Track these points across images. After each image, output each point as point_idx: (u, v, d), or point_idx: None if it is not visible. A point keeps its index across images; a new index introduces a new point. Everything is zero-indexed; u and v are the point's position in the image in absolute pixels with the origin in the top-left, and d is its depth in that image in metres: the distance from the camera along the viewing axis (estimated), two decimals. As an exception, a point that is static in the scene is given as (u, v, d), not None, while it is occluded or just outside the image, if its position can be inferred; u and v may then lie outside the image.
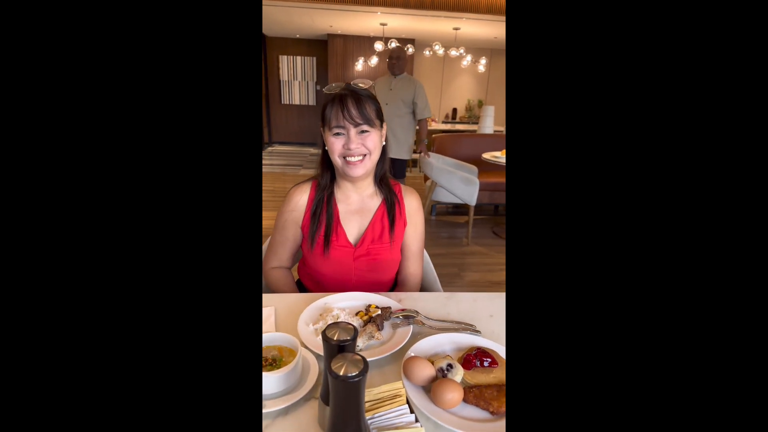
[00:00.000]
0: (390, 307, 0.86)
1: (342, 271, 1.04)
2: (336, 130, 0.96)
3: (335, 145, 0.97)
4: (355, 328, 0.55)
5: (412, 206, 1.11)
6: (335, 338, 0.53)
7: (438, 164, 3.27)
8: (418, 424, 0.55)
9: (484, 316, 0.89)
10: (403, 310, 0.86)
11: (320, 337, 0.77)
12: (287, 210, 1.08)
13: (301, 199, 1.07)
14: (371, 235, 1.05)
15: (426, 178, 3.92)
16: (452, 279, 2.71)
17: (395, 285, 1.16)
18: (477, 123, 6.12)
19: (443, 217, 4.01)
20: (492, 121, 5.21)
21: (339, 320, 0.80)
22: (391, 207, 1.07)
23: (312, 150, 7.75)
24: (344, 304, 0.90)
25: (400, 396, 0.59)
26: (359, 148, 0.97)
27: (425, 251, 1.23)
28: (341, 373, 0.47)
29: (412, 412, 0.58)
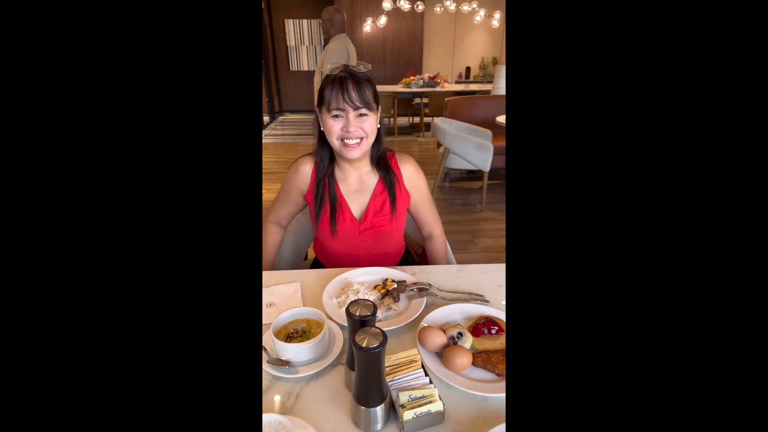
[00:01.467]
0: (405, 281, 0.94)
1: (350, 246, 1.12)
2: (335, 113, 0.98)
3: (333, 127, 0.99)
4: (374, 305, 0.62)
5: (410, 172, 1.14)
6: (357, 314, 0.61)
7: (451, 130, 3.24)
8: (432, 386, 0.64)
9: (493, 287, 0.96)
10: (417, 283, 0.93)
11: (343, 310, 0.85)
12: (293, 177, 1.14)
13: (306, 169, 1.12)
14: (373, 209, 1.11)
15: (438, 145, 3.89)
16: (466, 246, 2.78)
17: (404, 259, 1.24)
18: (491, 82, 5.93)
19: (457, 184, 4.02)
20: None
21: (359, 295, 0.88)
22: (391, 186, 1.11)
23: (323, 117, 7.67)
24: (363, 279, 0.98)
25: (416, 361, 0.68)
26: (357, 131, 0.99)
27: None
28: (364, 345, 0.54)
29: (426, 375, 0.66)
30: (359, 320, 0.60)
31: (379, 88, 5.92)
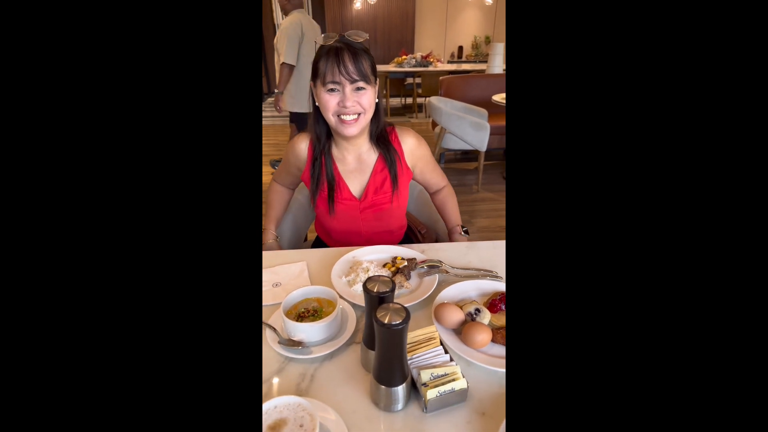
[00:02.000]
0: (415, 258, 0.91)
1: (351, 225, 1.09)
2: (330, 86, 0.91)
3: (329, 102, 0.92)
4: (392, 281, 0.59)
5: (411, 145, 1.09)
6: (375, 290, 0.57)
7: (447, 109, 3.18)
8: (453, 363, 0.61)
9: (504, 263, 0.94)
10: (427, 260, 0.90)
11: (353, 288, 0.82)
12: (291, 154, 1.11)
13: (302, 147, 1.08)
14: (373, 187, 1.06)
15: (434, 125, 3.83)
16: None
17: (407, 238, 1.21)
18: (485, 62, 5.83)
19: (452, 165, 3.98)
20: (501, 60, 4.94)
21: (370, 273, 0.84)
22: (392, 164, 1.06)
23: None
24: (372, 257, 0.94)
25: (434, 339, 0.65)
26: (354, 106, 0.93)
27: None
28: (386, 321, 0.51)
29: (446, 352, 0.63)
30: (377, 296, 0.57)
31: (371, 67, 5.77)
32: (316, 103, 0.97)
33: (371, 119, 1.02)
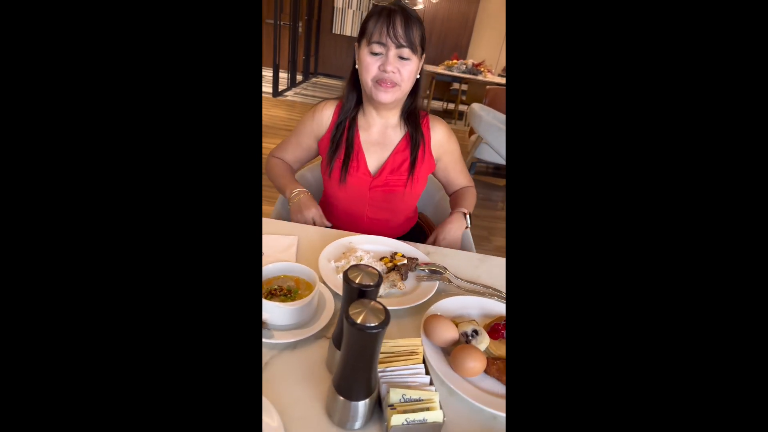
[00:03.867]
0: (417, 259, 0.80)
1: (357, 200, 1.00)
2: (375, 48, 0.86)
3: (370, 64, 0.88)
4: (379, 274, 0.49)
5: (441, 137, 1.04)
6: (357, 281, 0.47)
7: (488, 118, 3.04)
8: (432, 388, 0.50)
9: (518, 286, 0.82)
10: (430, 264, 0.79)
11: (341, 275, 0.72)
12: (309, 117, 1.04)
13: (326, 113, 1.02)
14: (391, 166, 0.99)
15: (470, 134, 3.69)
16: (479, 242, 2.63)
17: (414, 236, 1.11)
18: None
19: (482, 177, 3.82)
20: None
21: (363, 262, 0.74)
22: (416, 146, 0.99)
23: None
24: (370, 247, 0.84)
25: (417, 354, 0.54)
26: (395, 74, 0.88)
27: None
28: (359, 321, 0.41)
29: (427, 373, 0.53)
30: (358, 289, 0.47)
31: (420, 66, 5.66)
32: (356, 65, 0.92)
33: (408, 95, 0.97)
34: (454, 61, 5.92)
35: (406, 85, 0.91)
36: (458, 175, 1.10)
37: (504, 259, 0.91)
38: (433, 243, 0.95)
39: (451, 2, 6.78)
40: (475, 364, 0.55)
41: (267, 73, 6.78)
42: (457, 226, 0.98)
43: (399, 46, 0.85)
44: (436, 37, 7.10)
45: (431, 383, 0.52)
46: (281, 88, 5.63)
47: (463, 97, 5.76)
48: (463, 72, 5.67)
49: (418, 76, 0.94)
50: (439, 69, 5.78)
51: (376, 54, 0.87)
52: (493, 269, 0.86)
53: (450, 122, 6.08)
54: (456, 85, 5.98)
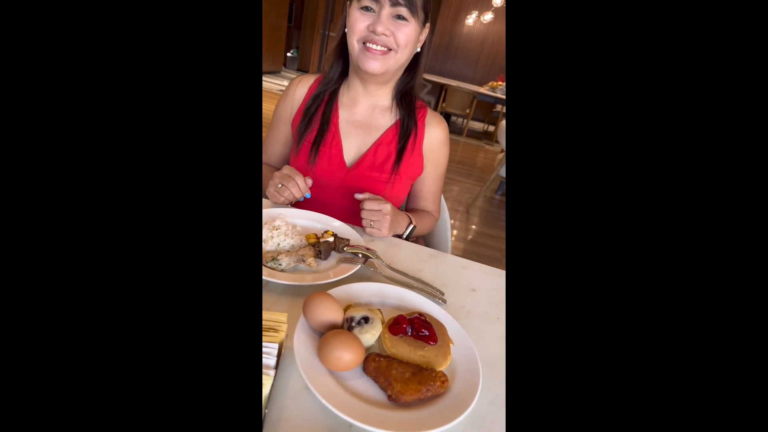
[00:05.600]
0: (348, 240, 0.69)
1: (326, 188, 0.85)
2: (366, 2, 0.72)
3: (358, 22, 0.73)
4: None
5: (436, 139, 0.88)
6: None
7: (517, 136, 2.87)
8: (271, 372, 0.40)
9: (465, 288, 0.68)
10: (359, 246, 0.69)
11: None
12: (282, 102, 0.91)
13: (299, 90, 0.89)
14: (371, 160, 0.84)
15: (502, 151, 3.52)
16: (490, 262, 2.41)
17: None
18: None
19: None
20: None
21: (276, 233, 0.65)
22: (406, 133, 0.84)
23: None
24: (301, 222, 0.75)
25: (276, 332, 0.44)
26: (386, 37, 0.73)
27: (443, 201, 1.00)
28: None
29: (278, 355, 0.42)
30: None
31: (463, 85, 5.60)
32: (345, 29, 0.79)
33: (405, 69, 0.81)
34: (500, 83, 5.78)
35: (402, 54, 0.76)
36: (430, 195, 0.92)
37: (461, 260, 0.78)
38: (365, 208, 0.74)
39: (504, 23, 6.69)
40: (343, 354, 0.43)
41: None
42: (400, 218, 0.80)
43: (395, 3, 0.71)
44: (484, 57, 7.01)
45: (275, 367, 0.41)
46: (323, 95, 5.76)
47: (504, 120, 5.58)
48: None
49: (419, 49, 0.80)
50: (483, 89, 5.66)
51: (367, 9, 0.73)
52: (441, 266, 0.74)
53: (488, 143, 5.89)
54: (498, 107, 5.83)
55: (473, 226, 2.91)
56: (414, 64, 0.83)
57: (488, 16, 5.75)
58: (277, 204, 0.78)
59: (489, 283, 0.72)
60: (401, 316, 0.52)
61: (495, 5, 5.43)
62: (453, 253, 0.84)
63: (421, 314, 0.53)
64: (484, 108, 5.82)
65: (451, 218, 1.08)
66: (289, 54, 7.83)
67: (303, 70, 7.90)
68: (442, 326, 0.53)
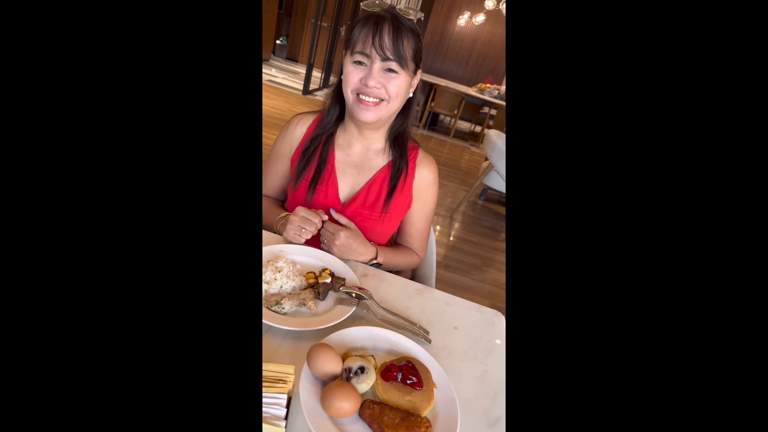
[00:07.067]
0: (344, 279, 0.76)
1: (321, 228, 0.91)
2: (358, 58, 0.79)
3: (352, 75, 0.80)
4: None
5: (425, 179, 0.94)
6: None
7: (502, 146, 2.97)
8: (282, 423, 0.47)
9: (448, 326, 0.76)
10: (355, 287, 0.76)
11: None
12: (281, 139, 0.97)
13: (299, 130, 0.95)
14: (363, 198, 0.91)
15: (486, 159, 3.62)
16: (471, 270, 2.54)
17: None
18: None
19: (492, 205, 3.74)
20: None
21: (280, 275, 0.71)
22: (397, 173, 0.91)
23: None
24: (300, 258, 0.81)
25: (285, 383, 0.51)
26: (378, 89, 0.79)
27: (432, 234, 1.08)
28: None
29: (287, 406, 0.49)
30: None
31: (452, 86, 5.65)
32: (341, 76, 0.84)
33: (397, 115, 0.87)
34: (488, 85, 5.87)
35: (394, 104, 0.82)
36: (415, 232, 0.98)
37: (445, 295, 0.85)
38: (328, 232, 0.83)
39: (495, 26, 6.76)
40: (344, 404, 0.50)
41: (300, 70, 6.91)
42: (361, 248, 0.85)
43: (385, 59, 0.77)
44: (474, 58, 7.08)
45: (286, 417, 0.48)
46: (312, 87, 5.73)
47: (491, 122, 5.69)
48: (495, 97, 5.61)
49: (411, 95, 0.86)
50: (471, 90, 5.75)
51: (360, 64, 0.79)
52: (427, 303, 0.81)
53: (474, 144, 6.01)
54: (486, 109, 5.93)
55: (454, 232, 3.02)
56: (406, 108, 0.89)
57: (480, 18, 5.81)
58: (292, 241, 0.84)
59: (469, 320, 0.80)
60: (392, 363, 0.59)
61: (487, 8, 5.48)
62: (436, 268, 0.91)
63: (409, 361, 0.60)
64: (471, 109, 5.91)
65: (433, 223, 1.17)
66: (278, 41, 7.69)
67: (292, 58, 7.78)
68: (427, 371, 0.60)
